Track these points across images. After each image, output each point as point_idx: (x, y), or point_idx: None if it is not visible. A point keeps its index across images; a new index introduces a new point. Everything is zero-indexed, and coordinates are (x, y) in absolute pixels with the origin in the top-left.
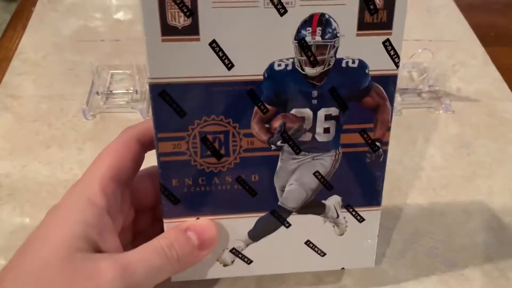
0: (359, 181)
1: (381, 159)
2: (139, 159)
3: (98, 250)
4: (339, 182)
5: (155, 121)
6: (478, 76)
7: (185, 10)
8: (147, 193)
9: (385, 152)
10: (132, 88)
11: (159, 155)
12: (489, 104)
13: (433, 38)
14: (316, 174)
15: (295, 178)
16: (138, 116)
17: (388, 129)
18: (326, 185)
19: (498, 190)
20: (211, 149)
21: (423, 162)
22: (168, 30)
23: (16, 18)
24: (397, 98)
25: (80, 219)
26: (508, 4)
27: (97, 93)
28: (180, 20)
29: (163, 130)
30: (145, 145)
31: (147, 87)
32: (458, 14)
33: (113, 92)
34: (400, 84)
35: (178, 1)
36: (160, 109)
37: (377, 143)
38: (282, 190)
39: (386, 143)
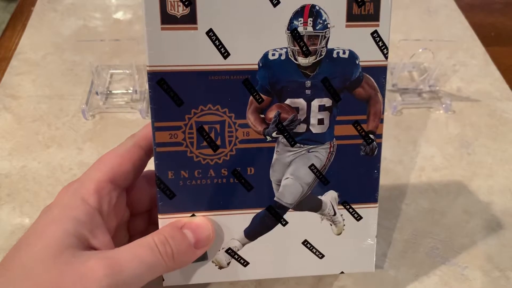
0: (354, 175)
1: (375, 152)
2: (140, 165)
3: (89, 247)
4: (334, 177)
5: (152, 110)
6: (478, 76)
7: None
8: (143, 196)
9: (379, 145)
10: (131, 88)
11: (155, 145)
12: (489, 104)
13: (433, 38)
14: (312, 167)
15: (290, 171)
16: (138, 116)
17: (381, 121)
18: (322, 179)
19: (498, 190)
20: (207, 139)
21: (423, 162)
22: (167, 19)
23: (16, 18)
24: (397, 98)
25: (72, 217)
26: (508, 4)
27: (97, 93)
28: (179, 9)
29: (160, 119)
30: (148, 151)
31: (147, 86)
32: (458, 14)
33: (113, 92)
34: (400, 84)
35: None
36: (158, 98)
37: (371, 136)
38: (278, 185)
39: (379, 136)
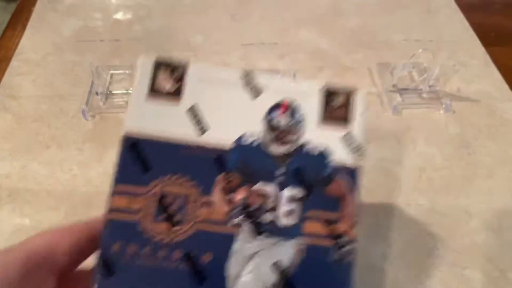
0: (325, 283)
1: (348, 258)
2: (83, 250)
3: None
4: (302, 281)
5: (116, 173)
6: (478, 76)
7: (174, 78)
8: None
9: (353, 250)
10: (131, 89)
11: (108, 211)
12: (489, 104)
13: (433, 38)
14: (276, 265)
15: (251, 267)
16: None
17: (355, 224)
18: (287, 283)
19: (498, 190)
20: (167, 212)
21: (423, 162)
22: (154, 92)
23: (16, 18)
24: (397, 98)
25: None
26: (508, 4)
27: (97, 93)
28: (167, 86)
29: (123, 181)
30: (94, 242)
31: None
32: (458, 14)
33: (113, 92)
34: (400, 84)
35: (170, 70)
36: (126, 161)
37: (343, 238)
38: (236, 279)
39: (353, 241)
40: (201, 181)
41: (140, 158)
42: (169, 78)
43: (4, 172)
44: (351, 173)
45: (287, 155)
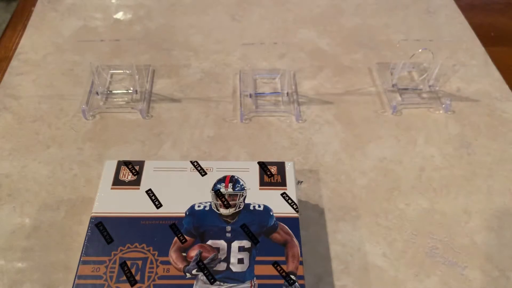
0: None
1: None
2: None
3: None
4: None
5: (84, 246)
6: (478, 76)
7: (133, 172)
8: None
9: (302, 287)
10: (131, 88)
11: (76, 277)
12: (489, 104)
13: (433, 38)
14: None
15: None
16: (138, 116)
17: (301, 263)
18: None
19: (498, 190)
20: (127, 274)
21: (423, 162)
22: (117, 182)
23: (16, 18)
24: (397, 98)
25: None
26: (508, 4)
27: (97, 93)
28: (128, 177)
29: (89, 254)
30: None
31: (147, 86)
32: (458, 14)
33: (113, 92)
34: (400, 84)
35: (130, 167)
36: (93, 237)
37: (292, 276)
38: None
39: (301, 277)
40: (157, 246)
41: (104, 234)
42: (129, 172)
43: (4, 172)
44: (292, 222)
45: (234, 214)
